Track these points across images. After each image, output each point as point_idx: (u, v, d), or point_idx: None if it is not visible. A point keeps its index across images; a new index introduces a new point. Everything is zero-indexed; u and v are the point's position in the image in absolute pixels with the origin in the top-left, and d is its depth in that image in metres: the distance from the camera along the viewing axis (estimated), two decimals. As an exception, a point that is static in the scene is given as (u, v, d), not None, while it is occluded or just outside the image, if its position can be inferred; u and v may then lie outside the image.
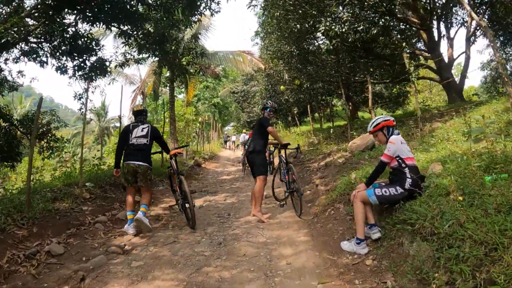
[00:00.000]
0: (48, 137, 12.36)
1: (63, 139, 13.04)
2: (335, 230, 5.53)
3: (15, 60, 11.23)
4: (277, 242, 5.44)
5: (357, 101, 23.44)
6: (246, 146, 14.38)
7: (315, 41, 16.38)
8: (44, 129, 12.23)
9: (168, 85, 20.56)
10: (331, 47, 12.42)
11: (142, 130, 6.55)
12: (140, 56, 14.08)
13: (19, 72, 12.01)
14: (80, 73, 11.68)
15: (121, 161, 6.57)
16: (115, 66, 13.67)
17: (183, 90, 31.86)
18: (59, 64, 11.49)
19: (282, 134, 27.04)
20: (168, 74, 20.36)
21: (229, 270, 4.48)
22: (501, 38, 17.27)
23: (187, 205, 6.51)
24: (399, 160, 4.52)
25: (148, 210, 6.92)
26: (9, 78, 12.01)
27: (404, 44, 12.40)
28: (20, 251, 5.09)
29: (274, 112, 7.48)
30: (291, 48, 15.26)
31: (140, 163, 6.34)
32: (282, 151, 7.43)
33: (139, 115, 6.80)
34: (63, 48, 11.11)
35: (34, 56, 11.17)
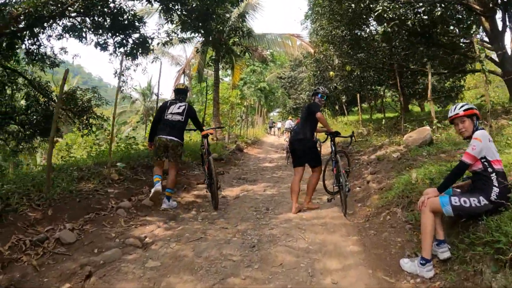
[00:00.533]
0: (88, 114, 12.23)
1: (103, 116, 12.83)
2: (392, 242, 4.49)
3: (58, 37, 10.97)
4: (321, 250, 4.48)
5: (407, 93, 22.02)
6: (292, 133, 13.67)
7: (367, 28, 15.37)
8: (85, 105, 12.11)
9: (212, 65, 20.03)
10: (389, 29, 11.21)
11: (178, 108, 6.77)
12: (184, 34, 13.51)
13: (62, 48, 11.81)
14: (121, 50, 11.33)
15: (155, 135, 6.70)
16: (157, 44, 13.20)
17: (229, 73, 31.43)
18: (99, 40, 11.09)
19: (328, 123, 25.96)
20: (213, 54, 19.76)
21: (261, 285, 3.61)
22: None
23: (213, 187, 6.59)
24: (485, 163, 3.52)
25: (173, 191, 6.83)
26: (50, 54, 11.79)
27: (474, 26, 11.01)
28: (28, 236, 4.54)
29: (326, 98, 6.77)
30: (342, 33, 14.22)
31: (172, 137, 6.53)
32: (333, 140, 6.63)
33: (180, 93, 7.07)
34: (104, 23, 10.68)
35: (76, 33, 10.80)
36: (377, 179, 7.34)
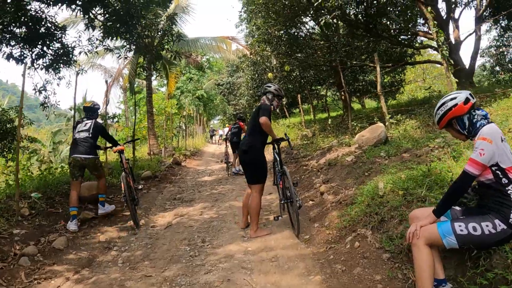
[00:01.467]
0: (10, 137, 10.84)
1: (29, 138, 11.49)
2: (370, 281, 3.36)
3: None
4: (275, 303, 3.31)
5: (348, 91, 21.79)
6: (228, 141, 12.79)
7: (304, 27, 15.03)
8: (7, 126, 10.72)
9: (142, 73, 18.83)
10: (330, 20, 10.49)
11: (85, 125, 6.83)
12: (108, 41, 12.26)
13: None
14: (40, 62, 10.05)
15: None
16: (79, 53, 11.91)
17: (165, 83, 30.24)
18: (14, 51, 9.69)
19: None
20: (143, 62, 18.49)
21: None
22: (503, 23, 16.40)
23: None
24: (497, 172, 2.53)
25: (105, 196, 7.00)
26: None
27: (428, 8, 10.55)
28: None
29: (280, 98, 5.76)
30: (278, 32, 13.56)
31: (85, 155, 6.56)
32: (276, 148, 5.84)
33: (87, 111, 7.13)
34: (20, 34, 9.41)
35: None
36: (333, 190, 6.43)
